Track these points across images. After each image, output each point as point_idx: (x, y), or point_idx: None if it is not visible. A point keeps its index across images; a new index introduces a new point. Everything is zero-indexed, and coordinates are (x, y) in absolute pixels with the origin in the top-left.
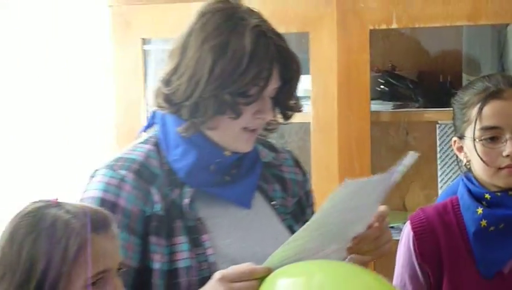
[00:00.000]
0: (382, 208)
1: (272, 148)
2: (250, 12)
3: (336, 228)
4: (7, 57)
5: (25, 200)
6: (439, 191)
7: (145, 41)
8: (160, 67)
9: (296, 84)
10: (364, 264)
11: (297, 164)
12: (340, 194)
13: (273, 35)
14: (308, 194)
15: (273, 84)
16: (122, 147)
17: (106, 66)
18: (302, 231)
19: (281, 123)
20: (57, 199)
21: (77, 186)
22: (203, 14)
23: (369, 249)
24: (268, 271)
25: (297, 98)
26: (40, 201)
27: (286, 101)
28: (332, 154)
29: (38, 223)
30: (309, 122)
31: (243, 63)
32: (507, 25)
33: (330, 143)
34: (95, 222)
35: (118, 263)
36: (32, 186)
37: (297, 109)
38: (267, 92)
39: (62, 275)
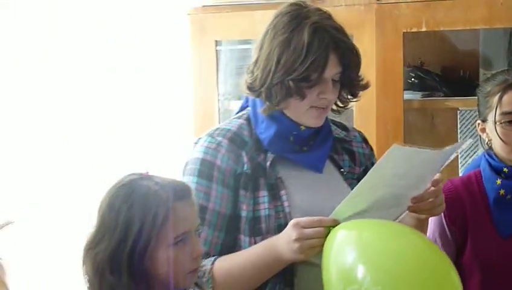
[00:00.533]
0: (437, 175)
1: (344, 127)
2: (316, 11)
3: (391, 190)
4: (108, 57)
5: (124, 172)
6: (459, 166)
7: (217, 43)
8: (229, 63)
9: (356, 69)
10: (421, 221)
11: (365, 140)
12: (390, 157)
13: (331, 29)
14: (373, 165)
15: (333, 70)
16: (198, 132)
17: (185, 64)
18: (357, 189)
19: (351, 101)
20: (147, 173)
21: (163, 160)
22: (275, 16)
23: (425, 209)
24: (334, 222)
25: (363, 79)
26: (134, 174)
27: (351, 83)
28: (371, 136)
29: (133, 193)
30: (352, 109)
31: (301, 53)
32: None
33: (369, 126)
34: (178, 192)
35: (196, 225)
36: (127, 160)
37: (364, 88)
38: (328, 76)
39: (152, 237)
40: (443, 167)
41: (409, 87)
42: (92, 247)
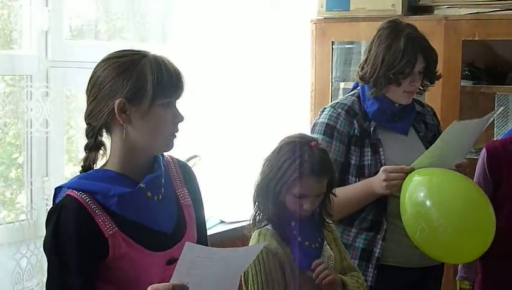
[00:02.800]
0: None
1: (420, 104)
2: (407, 26)
3: (451, 150)
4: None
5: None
6: (495, 134)
7: (332, 43)
8: (339, 57)
9: (435, 65)
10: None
11: (434, 114)
12: (451, 129)
13: (419, 38)
14: (440, 132)
15: (420, 65)
16: (317, 107)
17: (309, 57)
18: (430, 149)
19: (430, 86)
20: (311, 143)
21: (292, 123)
22: (379, 30)
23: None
24: (412, 169)
25: (438, 72)
26: (302, 139)
27: (430, 74)
28: (438, 110)
29: (293, 154)
30: (425, 95)
31: (399, 55)
32: None
33: (436, 103)
34: (316, 168)
35: (316, 194)
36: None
37: (439, 78)
38: (416, 70)
39: (286, 184)
40: (483, 130)
41: (463, 77)
42: (260, 176)
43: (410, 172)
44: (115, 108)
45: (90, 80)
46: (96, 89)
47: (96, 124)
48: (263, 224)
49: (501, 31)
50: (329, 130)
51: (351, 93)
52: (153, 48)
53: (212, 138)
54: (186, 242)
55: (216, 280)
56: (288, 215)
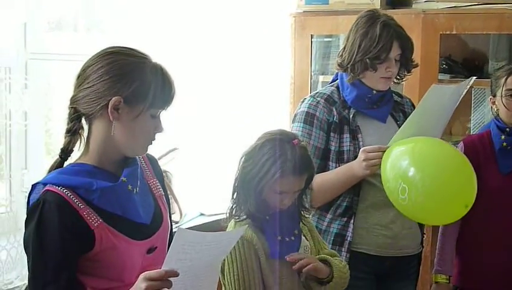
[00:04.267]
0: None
1: (399, 95)
2: (384, 15)
3: (429, 118)
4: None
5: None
6: (472, 126)
7: (312, 36)
8: (318, 51)
9: (410, 52)
10: None
11: (413, 105)
12: (430, 93)
13: (395, 26)
14: None
15: (396, 52)
16: (296, 100)
17: (289, 50)
18: (406, 122)
19: (406, 75)
20: (292, 141)
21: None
22: (357, 18)
23: None
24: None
25: (414, 61)
26: (284, 136)
27: (407, 62)
28: (415, 102)
29: (275, 152)
30: (402, 84)
31: (375, 41)
32: None
33: (414, 95)
34: (297, 166)
35: (295, 191)
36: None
37: (415, 66)
38: (392, 56)
39: (268, 181)
40: (460, 99)
41: (441, 71)
42: (239, 170)
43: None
44: (110, 104)
45: (89, 66)
46: (95, 79)
47: (84, 111)
48: (241, 218)
49: (478, 25)
50: (309, 118)
51: (330, 84)
52: (135, 41)
53: (191, 131)
54: (178, 228)
55: (203, 264)
56: (266, 210)
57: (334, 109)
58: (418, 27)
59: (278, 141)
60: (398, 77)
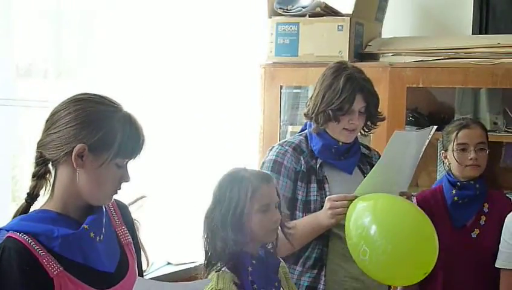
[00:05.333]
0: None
1: (367, 147)
2: (352, 67)
3: (394, 169)
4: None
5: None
6: (438, 177)
7: (281, 87)
8: (287, 101)
9: (375, 106)
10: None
11: (380, 157)
12: (394, 140)
13: (360, 79)
14: None
15: (359, 104)
16: (265, 149)
17: (259, 100)
18: (370, 174)
19: (373, 128)
20: (245, 167)
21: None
22: (325, 69)
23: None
24: (355, 197)
25: (381, 114)
26: (236, 168)
27: (371, 115)
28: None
29: (234, 179)
30: (370, 136)
31: (338, 92)
32: (480, 88)
33: (381, 148)
34: (262, 177)
35: (276, 201)
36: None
37: (382, 120)
38: (355, 108)
39: (246, 205)
40: (424, 147)
41: (408, 123)
42: (208, 216)
43: (353, 200)
44: (74, 151)
45: (57, 112)
46: (62, 125)
47: (49, 156)
48: (219, 266)
49: (443, 79)
50: (276, 166)
51: (299, 133)
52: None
53: (159, 179)
54: (138, 277)
55: None
56: (243, 257)
57: (301, 158)
58: (385, 80)
59: (232, 170)
60: (367, 130)
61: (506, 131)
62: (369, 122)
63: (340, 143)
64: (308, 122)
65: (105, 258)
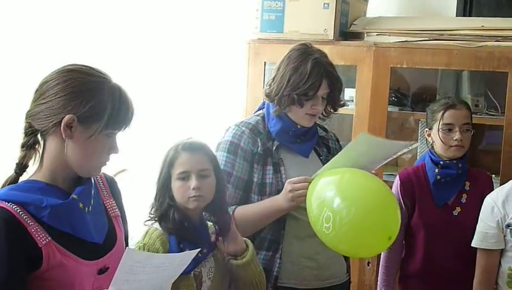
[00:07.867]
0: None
1: (324, 129)
2: (317, 50)
3: (354, 163)
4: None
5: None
6: (418, 157)
7: (265, 63)
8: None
9: (339, 92)
10: None
11: (337, 140)
12: (358, 140)
13: (326, 64)
14: None
15: (324, 90)
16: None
17: (243, 77)
18: (332, 161)
19: (333, 113)
20: (190, 137)
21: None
22: (290, 51)
23: None
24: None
25: (342, 100)
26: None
27: (334, 101)
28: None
29: (170, 146)
30: (352, 114)
31: (304, 78)
32: (462, 70)
33: (363, 127)
34: (186, 145)
35: (198, 169)
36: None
37: (342, 106)
38: (320, 94)
39: (163, 170)
40: (396, 155)
41: (390, 103)
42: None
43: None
44: (63, 122)
45: (46, 82)
46: (51, 95)
47: (38, 127)
48: (152, 222)
49: (427, 60)
50: (233, 147)
51: (256, 113)
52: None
53: (141, 152)
54: (127, 248)
55: (151, 286)
56: (185, 221)
57: (258, 140)
58: (369, 59)
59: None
60: (324, 114)
61: (487, 113)
62: (329, 107)
63: (299, 126)
64: (267, 103)
65: (94, 230)
